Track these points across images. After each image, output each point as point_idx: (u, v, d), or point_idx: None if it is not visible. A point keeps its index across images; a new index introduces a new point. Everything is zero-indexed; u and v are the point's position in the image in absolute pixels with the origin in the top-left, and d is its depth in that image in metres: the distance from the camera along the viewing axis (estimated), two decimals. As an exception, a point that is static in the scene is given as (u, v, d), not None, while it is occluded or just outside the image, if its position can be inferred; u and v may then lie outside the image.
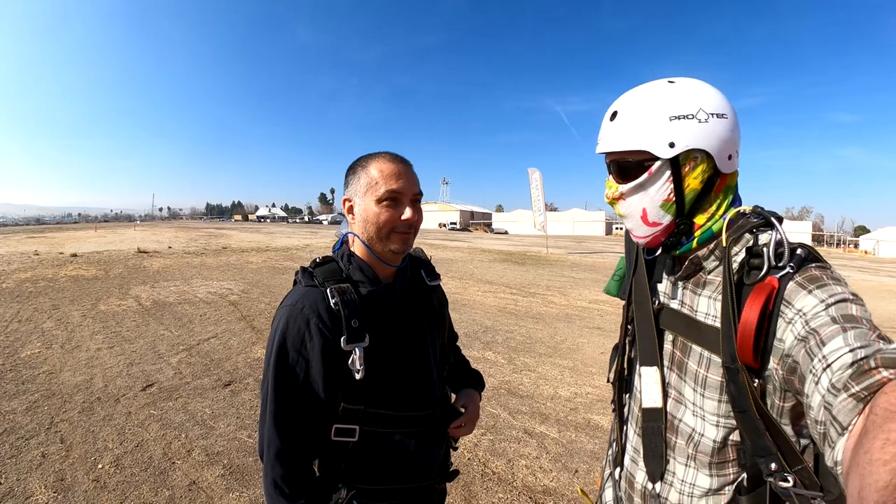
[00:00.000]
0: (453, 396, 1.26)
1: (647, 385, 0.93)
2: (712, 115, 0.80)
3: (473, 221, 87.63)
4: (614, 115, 0.85)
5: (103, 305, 7.28)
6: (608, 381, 1.11)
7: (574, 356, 5.36)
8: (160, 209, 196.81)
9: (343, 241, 1.09)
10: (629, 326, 1.03)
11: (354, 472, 1.00)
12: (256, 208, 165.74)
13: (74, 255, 14.07)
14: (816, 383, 0.60)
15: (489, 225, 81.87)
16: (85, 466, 2.78)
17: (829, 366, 0.59)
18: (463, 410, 1.19)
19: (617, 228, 74.89)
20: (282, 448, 0.93)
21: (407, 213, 1.00)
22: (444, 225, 76.06)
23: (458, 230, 69.01)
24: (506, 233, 65.39)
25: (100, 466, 2.78)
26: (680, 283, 0.91)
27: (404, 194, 1.00)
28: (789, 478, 0.71)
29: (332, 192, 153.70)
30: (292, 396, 0.93)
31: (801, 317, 0.68)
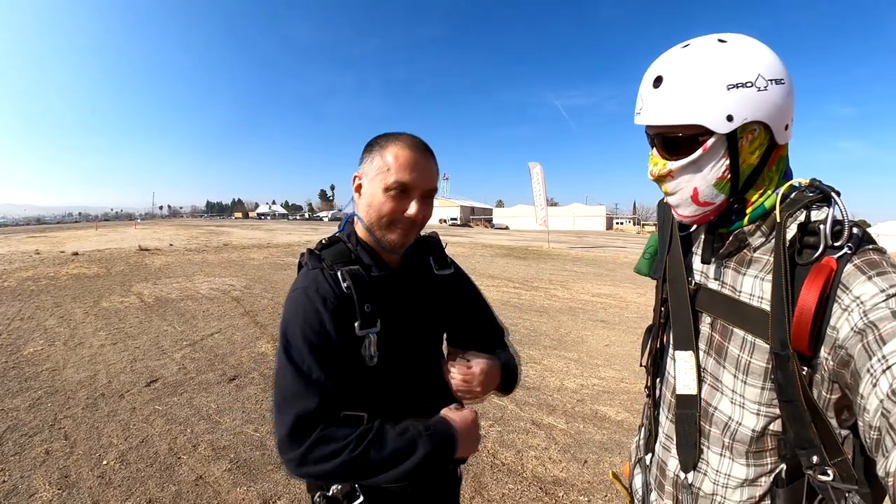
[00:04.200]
0: None
1: (682, 370, 0.87)
2: (771, 81, 0.70)
3: (474, 217, 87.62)
4: (658, 80, 0.74)
5: (105, 302, 7.25)
6: (641, 364, 1.04)
7: (579, 348, 5.33)
8: (160, 207, 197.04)
9: (348, 222, 1.03)
10: (662, 308, 0.97)
11: None
12: (257, 205, 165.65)
13: (76, 254, 14.03)
14: (874, 385, 0.56)
15: (490, 220, 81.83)
16: (89, 463, 2.75)
17: (888, 368, 0.55)
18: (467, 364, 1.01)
19: (618, 223, 74.75)
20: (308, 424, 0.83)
21: (412, 208, 0.92)
22: (445, 221, 75.99)
23: (458, 226, 68.98)
24: (507, 228, 65.37)
25: (105, 462, 2.75)
26: (721, 262, 0.84)
27: (414, 188, 0.92)
28: (829, 471, 0.67)
29: (333, 188, 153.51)
30: (313, 378, 0.85)
31: (858, 305, 0.63)
